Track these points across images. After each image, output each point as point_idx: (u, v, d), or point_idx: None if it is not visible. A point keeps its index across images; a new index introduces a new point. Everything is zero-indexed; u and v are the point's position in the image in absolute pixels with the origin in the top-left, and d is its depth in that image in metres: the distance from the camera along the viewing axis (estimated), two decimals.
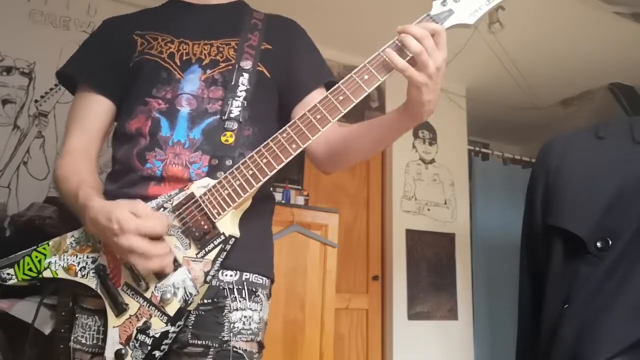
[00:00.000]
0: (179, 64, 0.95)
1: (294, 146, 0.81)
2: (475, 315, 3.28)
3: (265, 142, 0.83)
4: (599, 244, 1.12)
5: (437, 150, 3.43)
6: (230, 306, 0.85)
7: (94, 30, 1.05)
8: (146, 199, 0.85)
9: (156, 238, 0.77)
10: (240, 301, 0.87)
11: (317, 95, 1.00)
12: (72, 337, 0.86)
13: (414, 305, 3.08)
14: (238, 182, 0.82)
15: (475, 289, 3.34)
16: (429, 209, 3.30)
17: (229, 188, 0.82)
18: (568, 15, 2.72)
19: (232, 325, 0.84)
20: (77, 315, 0.87)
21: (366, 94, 0.81)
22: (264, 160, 0.82)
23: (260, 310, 0.90)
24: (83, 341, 0.84)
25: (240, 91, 0.93)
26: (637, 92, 3.43)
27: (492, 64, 3.24)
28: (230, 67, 0.95)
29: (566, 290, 1.14)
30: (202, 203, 0.82)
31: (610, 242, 1.11)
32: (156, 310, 0.78)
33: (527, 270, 1.36)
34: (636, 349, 0.99)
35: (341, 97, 0.81)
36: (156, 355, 0.78)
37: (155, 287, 0.79)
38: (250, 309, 0.88)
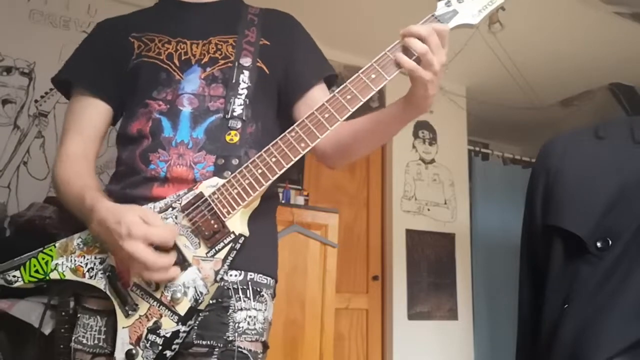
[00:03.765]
0: (178, 64, 0.94)
1: (302, 145, 0.81)
2: (475, 315, 3.28)
3: (274, 141, 0.82)
4: (599, 244, 1.12)
5: (437, 150, 3.42)
6: (234, 306, 0.85)
7: (88, 34, 1.04)
8: (149, 200, 0.84)
9: (163, 249, 0.77)
10: (244, 301, 0.86)
11: (318, 90, 1.00)
12: (73, 337, 0.85)
13: (414, 305, 3.07)
14: (247, 181, 0.81)
15: (475, 289, 3.34)
16: (429, 209, 3.29)
17: (238, 187, 0.81)
18: (568, 15, 2.72)
19: (236, 325, 0.84)
20: (78, 315, 0.87)
21: (373, 92, 0.82)
22: (273, 159, 0.81)
23: (265, 310, 0.90)
24: (84, 341, 0.84)
25: (242, 89, 0.92)
26: (637, 92, 3.43)
27: (492, 64, 3.24)
28: (230, 64, 0.94)
29: (566, 290, 1.14)
30: (211, 202, 0.81)
31: (610, 242, 1.11)
32: (166, 310, 0.78)
33: (527, 270, 1.36)
34: (636, 349, 0.99)
35: (349, 96, 0.82)
36: (167, 355, 0.78)
37: (165, 286, 0.79)
38: (255, 309, 0.87)
